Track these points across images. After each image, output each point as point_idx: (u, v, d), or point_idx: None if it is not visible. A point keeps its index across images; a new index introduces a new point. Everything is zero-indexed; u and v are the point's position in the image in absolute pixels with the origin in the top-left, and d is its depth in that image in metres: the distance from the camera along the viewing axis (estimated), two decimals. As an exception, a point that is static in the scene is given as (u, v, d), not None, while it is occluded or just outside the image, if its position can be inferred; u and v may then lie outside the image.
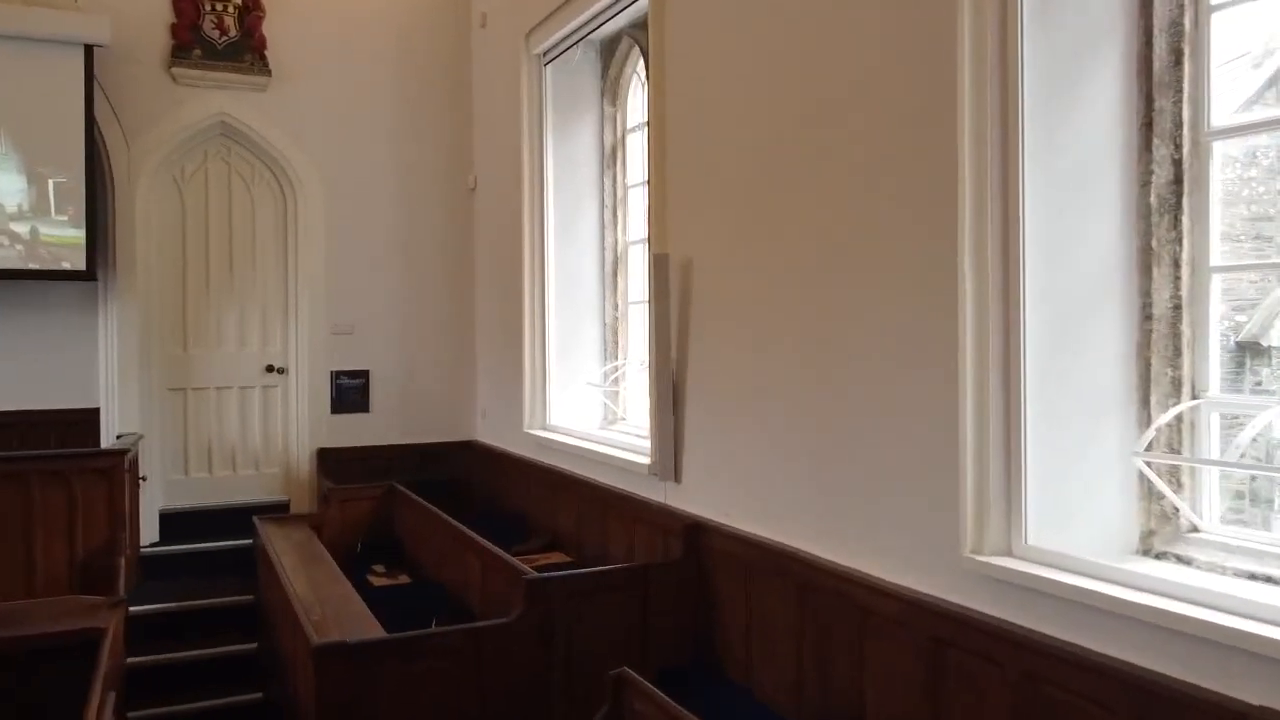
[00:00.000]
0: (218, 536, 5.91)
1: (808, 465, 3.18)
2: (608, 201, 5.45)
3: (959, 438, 2.54)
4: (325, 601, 3.87)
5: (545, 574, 3.48)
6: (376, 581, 5.07)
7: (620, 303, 5.41)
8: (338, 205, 6.28)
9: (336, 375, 6.30)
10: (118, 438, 5.61)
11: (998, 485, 2.51)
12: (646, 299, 4.83)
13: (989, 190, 2.50)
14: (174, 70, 5.83)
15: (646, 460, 4.15)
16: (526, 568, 3.65)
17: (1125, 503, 2.49)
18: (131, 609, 5.17)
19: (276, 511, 6.12)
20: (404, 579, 5.14)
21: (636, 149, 5.26)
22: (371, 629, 3.53)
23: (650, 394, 4.14)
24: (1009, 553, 2.51)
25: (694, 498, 3.86)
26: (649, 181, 4.23)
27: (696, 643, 3.64)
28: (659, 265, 3.96)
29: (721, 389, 3.68)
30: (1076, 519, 2.47)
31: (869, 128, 2.91)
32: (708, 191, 3.76)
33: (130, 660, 4.95)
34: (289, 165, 6.17)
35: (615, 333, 5.42)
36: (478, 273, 6.59)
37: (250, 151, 6.17)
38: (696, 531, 3.70)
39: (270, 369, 6.27)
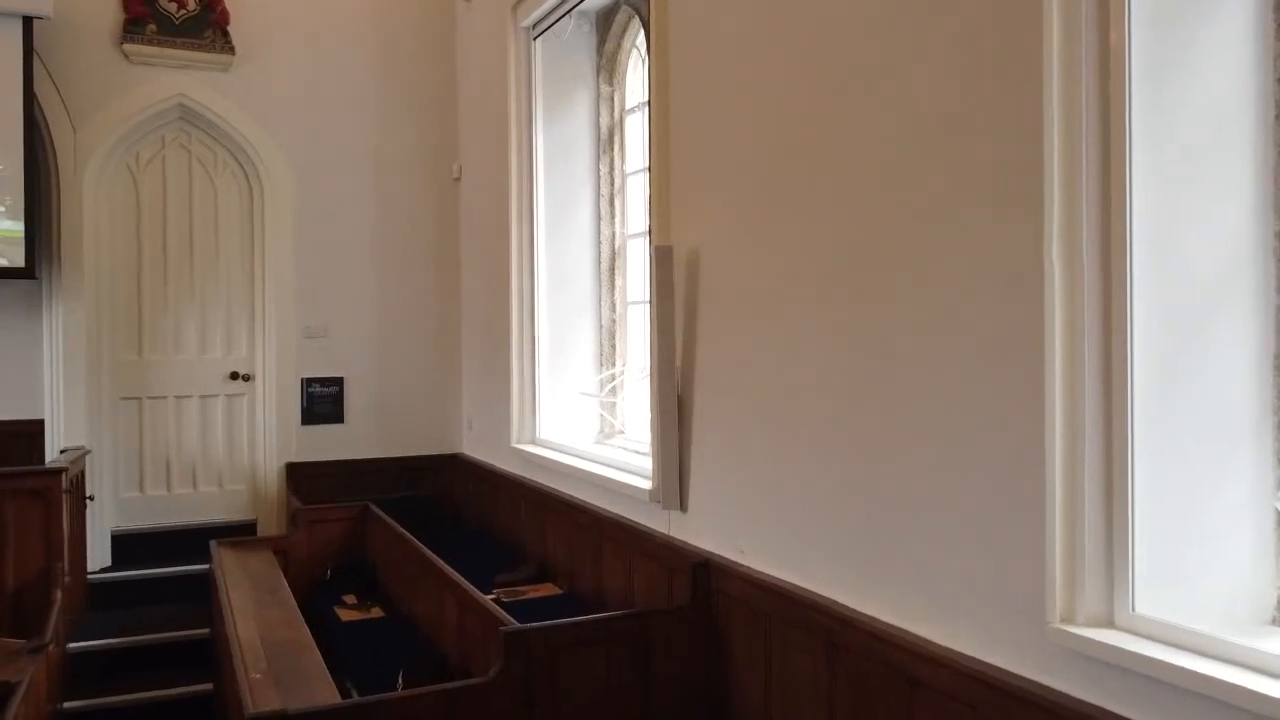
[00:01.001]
0: (176, 560, 5.38)
1: (842, 497, 2.64)
2: (604, 190, 4.91)
3: (1045, 472, 2.00)
4: (275, 649, 3.33)
5: (527, 625, 2.93)
6: (345, 615, 4.54)
7: (618, 303, 4.87)
8: (309, 197, 5.74)
9: (308, 383, 5.76)
10: (61, 452, 5.07)
11: (1095, 535, 1.96)
12: (647, 298, 4.32)
13: (1084, 157, 1.95)
14: (126, 47, 5.29)
15: (647, 484, 3.61)
16: (504, 615, 3.11)
17: (1261, 559, 1.94)
18: (72, 645, 4.65)
19: (243, 533, 5.60)
20: (376, 612, 4.60)
21: (636, 131, 4.72)
22: (322, 690, 2.99)
23: (652, 407, 3.60)
24: (1110, 623, 1.96)
25: (703, 530, 3.32)
26: (650, 165, 3.68)
27: (707, 706, 3.09)
28: (661, 259, 3.41)
29: (736, 403, 3.14)
30: (1198, 580, 1.93)
31: (922, 86, 2.36)
32: (719, 173, 3.22)
33: (68, 705, 4.42)
34: (255, 153, 5.62)
35: (613, 336, 4.87)
36: (463, 270, 6.05)
37: (212, 137, 5.62)
38: (705, 571, 3.16)
39: (235, 376, 5.72)
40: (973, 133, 2.21)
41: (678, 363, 3.45)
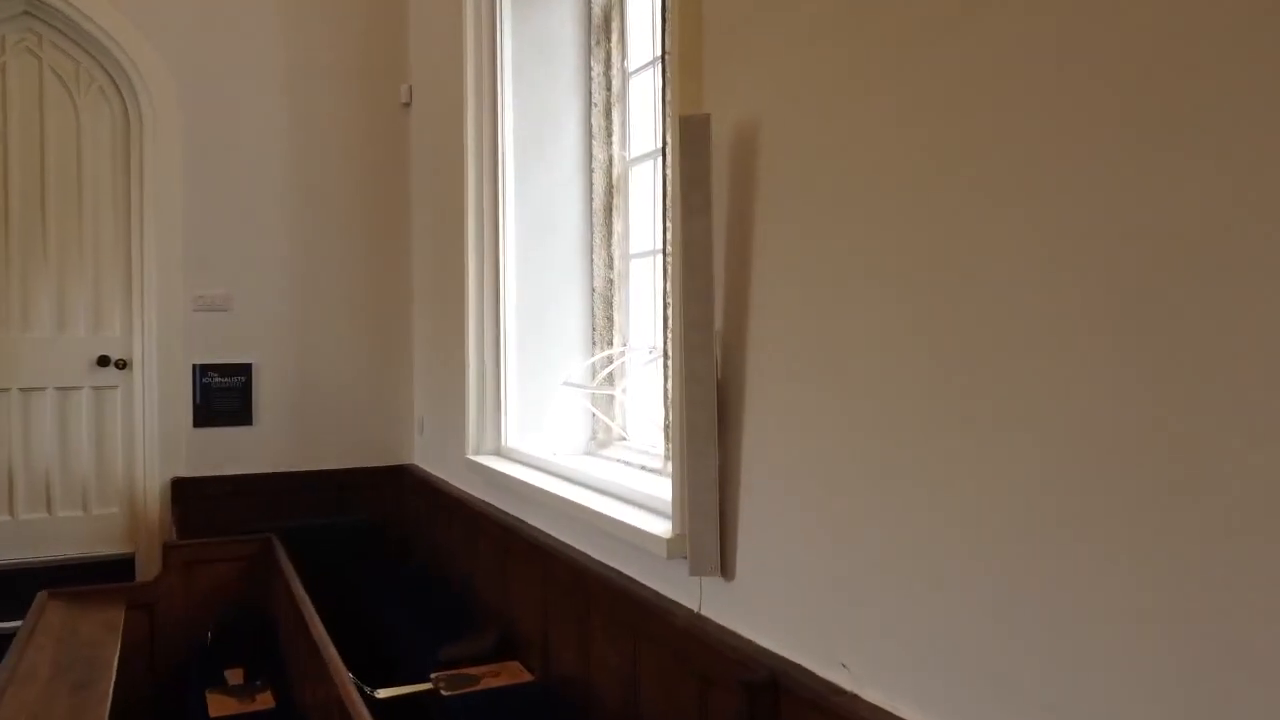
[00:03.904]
0: (22, 613, 3.95)
1: (1101, 570, 1.22)
2: (598, 99, 3.49)
3: None
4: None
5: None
6: (217, 706, 3.12)
7: (617, 256, 3.46)
8: (206, 125, 4.32)
9: (202, 371, 4.33)
10: None
11: None
12: (659, 247, 2.95)
13: None
14: (-57, -91, 3.90)
15: (664, 527, 2.20)
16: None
17: None
18: None
19: (117, 572, 4.24)
20: (265, 700, 3.19)
21: (643, 12, 3.32)
22: None
23: (672, 404, 2.19)
24: None
25: (763, 614, 1.90)
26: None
27: None
28: (691, 139, 1.98)
29: (824, 392, 1.72)
30: None
31: None
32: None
33: None
34: (131, 64, 4.20)
35: (609, 303, 3.46)
36: (414, 222, 4.64)
37: (72, 40, 4.20)
38: (771, 697, 1.74)
39: (105, 362, 4.29)
40: None
41: (717, 325, 2.03)
